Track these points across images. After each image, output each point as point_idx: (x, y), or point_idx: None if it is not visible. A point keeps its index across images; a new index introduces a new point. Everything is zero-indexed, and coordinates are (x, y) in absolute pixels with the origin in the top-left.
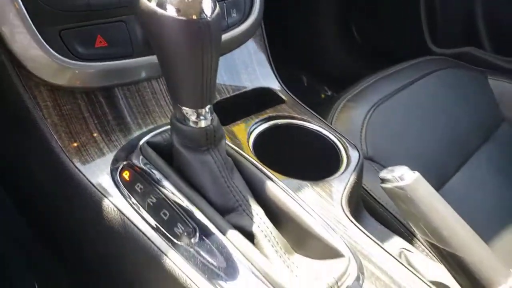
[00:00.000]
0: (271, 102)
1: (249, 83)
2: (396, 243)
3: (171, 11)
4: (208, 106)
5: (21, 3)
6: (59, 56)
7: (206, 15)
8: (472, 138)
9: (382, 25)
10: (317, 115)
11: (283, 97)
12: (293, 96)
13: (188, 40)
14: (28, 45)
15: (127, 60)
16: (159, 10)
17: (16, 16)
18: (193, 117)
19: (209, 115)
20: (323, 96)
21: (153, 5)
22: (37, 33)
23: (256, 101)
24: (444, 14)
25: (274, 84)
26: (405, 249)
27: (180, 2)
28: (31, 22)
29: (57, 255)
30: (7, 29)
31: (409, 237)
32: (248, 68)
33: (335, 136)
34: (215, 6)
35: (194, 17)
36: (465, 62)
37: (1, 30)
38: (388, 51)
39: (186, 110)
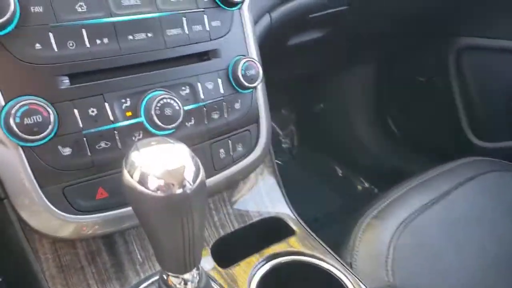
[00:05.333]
0: (279, 235)
1: (256, 213)
2: None
3: (152, 184)
4: (194, 270)
5: (27, 164)
6: (61, 213)
7: (188, 182)
8: None
9: (419, 118)
10: (330, 250)
11: (294, 227)
12: (305, 226)
13: (168, 214)
14: (32, 205)
15: (126, 208)
16: (139, 187)
17: (22, 177)
18: (176, 282)
19: (195, 278)
20: (359, 188)
21: (134, 182)
22: (41, 194)
23: (262, 234)
24: (483, 107)
25: (284, 209)
26: None
27: (163, 174)
28: (36, 183)
29: None
30: (14, 189)
31: None
32: (255, 195)
33: (349, 279)
34: (198, 172)
35: (175, 189)
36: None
37: (7, 190)
38: (427, 145)
39: (170, 275)
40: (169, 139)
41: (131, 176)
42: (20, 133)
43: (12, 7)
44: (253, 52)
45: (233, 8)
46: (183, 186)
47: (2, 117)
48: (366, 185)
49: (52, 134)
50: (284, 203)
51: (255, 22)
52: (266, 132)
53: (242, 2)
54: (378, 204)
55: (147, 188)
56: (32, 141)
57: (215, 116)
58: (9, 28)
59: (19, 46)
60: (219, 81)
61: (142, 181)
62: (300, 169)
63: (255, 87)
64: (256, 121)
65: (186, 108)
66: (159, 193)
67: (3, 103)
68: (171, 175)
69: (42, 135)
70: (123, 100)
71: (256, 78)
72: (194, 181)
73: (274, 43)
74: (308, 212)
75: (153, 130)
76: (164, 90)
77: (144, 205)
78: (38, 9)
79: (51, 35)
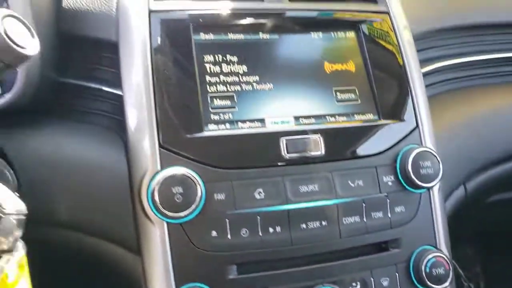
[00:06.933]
0: None
1: None
2: None
3: None
4: None
5: None
6: None
7: None
8: None
9: None
10: None
11: None
12: None
13: None
14: None
15: None
16: None
17: None
18: None
19: None
20: None
21: None
22: None
23: None
24: None
25: None
26: None
27: None
28: None
29: None
30: None
31: None
32: None
33: None
34: None
35: None
36: None
37: None
38: None
39: None
40: None
41: None
42: None
43: (199, 196)
44: (442, 241)
45: (422, 190)
46: None
47: None
48: None
49: None
50: None
51: (446, 198)
52: None
53: (434, 185)
54: None
55: None
56: None
57: None
58: (193, 215)
59: (197, 233)
60: (397, 276)
61: None
62: None
63: None
64: None
65: None
66: None
67: None
68: None
69: None
70: None
71: (444, 279)
72: None
73: (468, 205)
74: None
75: None
76: (332, 287)
77: None
78: (221, 196)
79: (227, 222)
